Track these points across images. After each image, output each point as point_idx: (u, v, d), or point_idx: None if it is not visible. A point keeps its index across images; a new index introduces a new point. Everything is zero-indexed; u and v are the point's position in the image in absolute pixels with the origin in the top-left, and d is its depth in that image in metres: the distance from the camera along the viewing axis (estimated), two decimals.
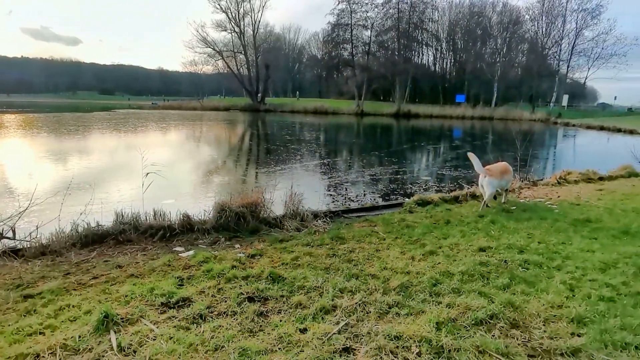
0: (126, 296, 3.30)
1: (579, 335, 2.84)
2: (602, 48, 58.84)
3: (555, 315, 3.11)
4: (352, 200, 8.34)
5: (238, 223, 5.26)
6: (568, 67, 62.93)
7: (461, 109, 51.04)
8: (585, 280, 3.77)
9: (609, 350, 2.69)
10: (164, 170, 6.53)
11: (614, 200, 7.15)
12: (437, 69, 75.42)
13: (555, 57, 64.26)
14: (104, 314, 2.86)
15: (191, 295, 3.32)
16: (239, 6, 58.60)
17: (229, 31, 59.25)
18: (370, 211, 6.55)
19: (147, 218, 5.11)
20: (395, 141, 22.56)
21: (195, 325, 2.90)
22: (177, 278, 3.66)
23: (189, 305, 3.17)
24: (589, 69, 61.90)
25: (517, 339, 2.80)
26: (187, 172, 11.68)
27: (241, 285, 3.52)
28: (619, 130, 30.97)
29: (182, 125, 30.36)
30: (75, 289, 3.50)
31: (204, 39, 57.59)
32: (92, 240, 4.65)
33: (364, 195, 8.93)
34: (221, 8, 57.62)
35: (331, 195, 8.88)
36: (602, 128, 33.46)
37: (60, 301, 3.25)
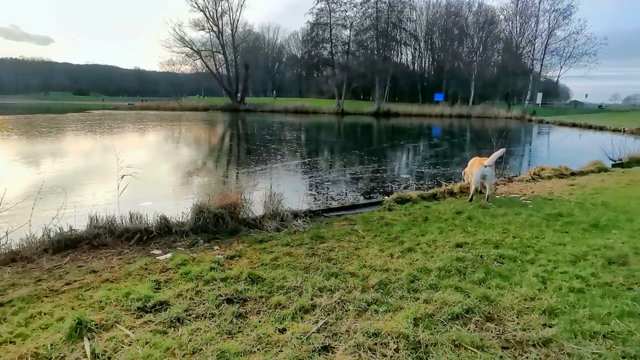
0: (100, 302, 3.23)
1: (550, 326, 2.93)
2: (574, 47, 60.71)
3: (528, 308, 3.20)
4: (333, 199, 8.37)
5: (217, 224, 5.21)
6: (541, 66, 64.70)
7: (440, 108, 51.83)
8: (556, 272, 3.89)
9: (579, 340, 2.79)
10: (141, 172, 6.41)
11: (584, 194, 7.40)
12: (415, 68, 76.41)
13: (529, 56, 65.98)
14: (77, 321, 2.79)
15: (168, 298, 3.27)
16: (217, 5, 57.93)
17: (207, 30, 58.53)
18: (350, 210, 6.59)
19: (123, 221, 5.01)
20: (375, 140, 22.74)
21: (172, 329, 2.86)
22: (154, 281, 3.60)
23: (166, 308, 3.12)
24: (561, 67, 63.78)
25: (492, 332, 2.87)
26: (165, 173, 11.49)
27: (220, 287, 3.49)
28: (589, 127, 32.01)
29: (160, 126, 29.83)
30: (47, 296, 3.40)
31: (182, 38, 56.72)
32: (65, 245, 4.53)
33: (345, 194, 8.97)
34: (198, 7, 56.85)
35: (312, 194, 8.89)
36: (574, 125, 34.52)
37: (31, 309, 3.15)
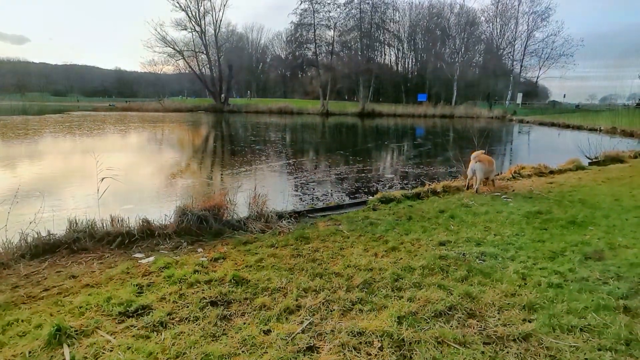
0: (80, 307, 3.16)
1: (529, 321, 3.01)
2: (552, 49, 62.19)
3: (508, 304, 3.27)
4: (318, 200, 8.38)
5: (201, 226, 5.16)
6: (521, 66, 66.04)
7: (423, 108, 52.39)
8: (536, 269, 3.98)
9: (557, 334, 2.86)
10: (123, 174, 6.30)
11: (562, 192, 7.59)
12: (399, 68, 77.02)
13: (509, 57, 67.26)
14: (55, 327, 2.73)
15: (151, 302, 3.23)
16: (199, 4, 57.28)
17: (190, 30, 57.84)
18: (335, 210, 6.61)
19: (104, 225, 4.92)
20: (360, 140, 22.84)
21: (155, 333, 2.82)
22: (136, 286, 3.54)
23: (149, 313, 3.08)
24: (540, 68, 65.24)
25: (474, 328, 2.92)
26: (147, 176, 11.32)
27: (204, 290, 3.46)
28: (567, 126, 32.81)
29: (142, 127, 29.36)
30: (24, 303, 3.31)
31: (163, 38, 55.90)
32: (43, 250, 4.42)
33: (330, 194, 9.00)
34: (180, 6, 56.13)
35: (297, 195, 8.88)
36: (553, 124, 35.36)
37: (8, 316, 3.07)
